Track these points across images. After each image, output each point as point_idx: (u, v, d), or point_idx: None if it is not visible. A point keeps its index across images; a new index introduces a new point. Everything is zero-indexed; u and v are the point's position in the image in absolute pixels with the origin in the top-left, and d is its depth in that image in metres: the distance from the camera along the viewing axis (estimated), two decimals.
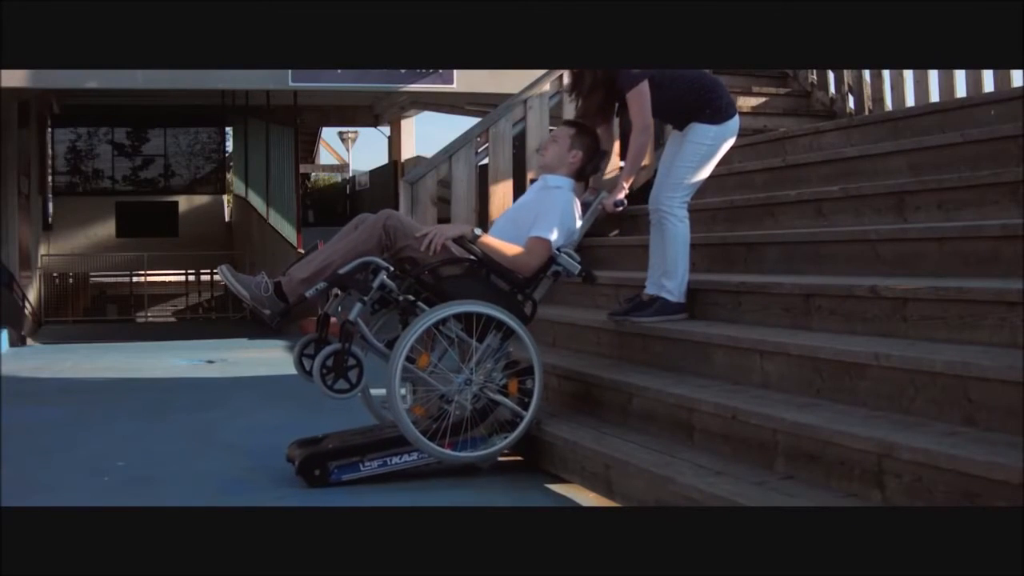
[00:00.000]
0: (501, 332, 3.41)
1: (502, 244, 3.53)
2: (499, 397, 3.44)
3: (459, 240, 3.46)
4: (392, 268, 3.37)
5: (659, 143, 4.96)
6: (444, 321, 3.35)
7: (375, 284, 3.33)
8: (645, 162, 5.41)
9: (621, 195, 3.78)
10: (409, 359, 3.32)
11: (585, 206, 3.80)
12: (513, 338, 3.46)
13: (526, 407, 3.46)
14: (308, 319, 6.65)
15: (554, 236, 3.53)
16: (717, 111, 3.79)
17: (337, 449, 3.46)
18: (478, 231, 3.51)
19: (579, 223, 3.68)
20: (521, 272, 3.52)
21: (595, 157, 3.76)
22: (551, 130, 4.40)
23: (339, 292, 3.44)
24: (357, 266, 3.34)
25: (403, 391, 3.49)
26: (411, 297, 3.38)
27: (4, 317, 11.16)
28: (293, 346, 9.24)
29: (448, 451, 3.40)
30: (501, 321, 3.40)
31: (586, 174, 3.80)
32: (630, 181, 3.85)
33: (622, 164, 5.43)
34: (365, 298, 3.34)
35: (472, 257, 3.47)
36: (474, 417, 3.43)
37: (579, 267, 3.56)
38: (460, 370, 3.38)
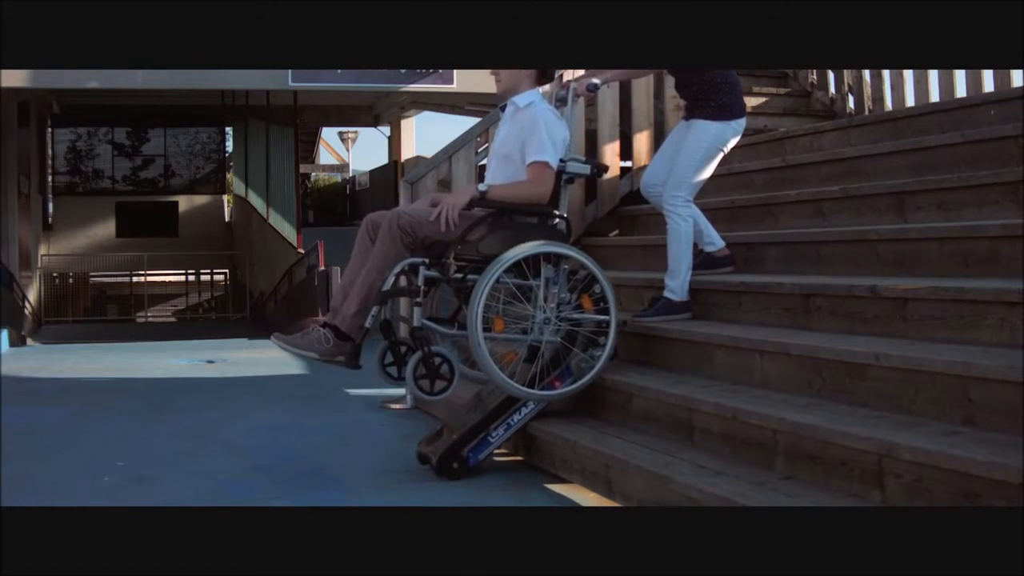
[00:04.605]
0: (551, 260, 3.44)
1: (510, 187, 3.55)
2: (578, 315, 3.49)
3: (470, 204, 3.48)
4: (427, 260, 3.40)
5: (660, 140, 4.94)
6: (497, 279, 3.37)
7: (420, 283, 3.37)
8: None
9: (596, 80, 3.82)
10: (486, 329, 3.35)
11: (561, 102, 3.82)
12: (564, 260, 3.48)
13: (606, 312, 3.51)
14: (307, 319, 6.65)
15: (550, 154, 3.53)
16: (719, 108, 3.81)
17: (465, 434, 3.52)
18: (482, 187, 3.54)
19: (566, 125, 3.67)
20: (539, 201, 3.55)
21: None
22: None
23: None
24: (397, 276, 3.37)
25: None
26: (459, 275, 3.41)
27: (4, 317, 11.16)
28: None
29: (558, 389, 3.50)
30: (547, 252, 3.42)
31: (548, 75, 3.80)
32: (611, 76, 3.90)
33: (624, 164, 5.44)
34: (418, 299, 3.37)
35: (490, 211, 3.49)
36: (565, 346, 3.49)
37: (588, 167, 3.62)
38: (534, 313, 3.42)
